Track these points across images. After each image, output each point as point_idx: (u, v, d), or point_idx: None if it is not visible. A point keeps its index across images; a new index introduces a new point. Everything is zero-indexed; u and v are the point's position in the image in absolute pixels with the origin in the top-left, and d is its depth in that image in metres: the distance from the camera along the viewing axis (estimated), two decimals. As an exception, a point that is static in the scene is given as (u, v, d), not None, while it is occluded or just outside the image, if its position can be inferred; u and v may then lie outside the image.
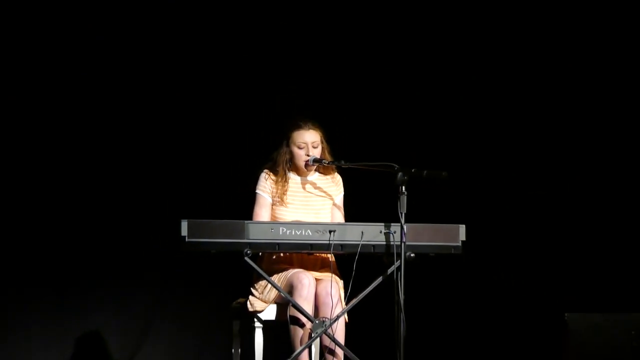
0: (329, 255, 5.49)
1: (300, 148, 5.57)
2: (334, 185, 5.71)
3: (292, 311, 5.27)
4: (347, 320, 5.39)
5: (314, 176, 5.67)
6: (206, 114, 6.81)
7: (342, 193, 5.74)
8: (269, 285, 5.36)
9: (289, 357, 5.23)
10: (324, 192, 5.67)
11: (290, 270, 5.43)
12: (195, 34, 6.96)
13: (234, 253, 5.19)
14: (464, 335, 6.48)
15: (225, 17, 6.94)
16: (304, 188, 5.64)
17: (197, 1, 6.97)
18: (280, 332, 5.46)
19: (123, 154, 6.76)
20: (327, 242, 5.25)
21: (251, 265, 5.23)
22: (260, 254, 5.39)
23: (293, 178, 5.63)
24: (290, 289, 5.32)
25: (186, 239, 5.11)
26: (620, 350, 4.50)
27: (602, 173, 6.86)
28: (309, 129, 5.61)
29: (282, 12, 6.94)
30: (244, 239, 5.19)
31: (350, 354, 5.25)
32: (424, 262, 5.33)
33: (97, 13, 6.86)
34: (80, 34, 6.83)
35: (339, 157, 5.60)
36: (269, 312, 5.44)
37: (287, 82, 6.69)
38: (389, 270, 5.21)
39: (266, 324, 5.45)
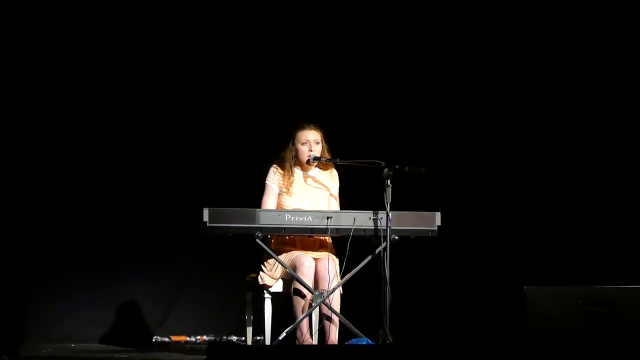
0: (326, 238, 5.51)
1: (303, 144, 5.58)
2: (331, 179, 5.71)
3: (296, 285, 5.31)
4: (342, 292, 5.40)
5: (314, 171, 5.67)
6: (224, 121, 6.77)
7: (338, 185, 5.72)
8: (277, 263, 5.37)
9: (293, 323, 5.26)
10: (323, 184, 5.67)
11: (294, 252, 5.44)
12: (218, 43, 6.89)
13: (247, 236, 5.23)
14: (439, 305, 6.47)
15: (242, 34, 6.88)
16: (305, 181, 5.64)
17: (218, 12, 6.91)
18: (285, 302, 5.46)
19: (161, 156, 6.74)
20: (325, 226, 5.29)
21: (261, 246, 5.28)
22: (268, 236, 5.39)
23: (297, 172, 5.62)
24: (294, 266, 5.34)
25: (207, 224, 5.15)
26: (569, 316, 4.46)
27: (555, 168, 6.82)
28: (311, 129, 5.62)
29: (295, 31, 6.90)
30: (255, 224, 5.23)
31: (345, 321, 5.28)
32: (406, 243, 5.36)
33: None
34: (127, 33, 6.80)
35: (335, 155, 5.61)
36: (277, 286, 5.45)
37: (293, 95, 6.62)
38: (377, 250, 5.24)
39: (274, 296, 5.46)
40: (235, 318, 6.41)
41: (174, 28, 6.87)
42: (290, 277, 5.35)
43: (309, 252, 5.48)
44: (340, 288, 5.38)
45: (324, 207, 5.58)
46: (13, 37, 6.58)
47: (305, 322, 5.30)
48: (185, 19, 6.87)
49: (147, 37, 6.83)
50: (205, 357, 4.31)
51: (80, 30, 6.73)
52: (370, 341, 5.16)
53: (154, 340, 6.51)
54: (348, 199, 5.72)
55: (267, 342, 5.42)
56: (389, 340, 5.05)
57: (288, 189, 5.57)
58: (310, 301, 5.27)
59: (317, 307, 5.32)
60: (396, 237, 5.25)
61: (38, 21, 6.63)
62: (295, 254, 5.42)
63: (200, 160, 6.70)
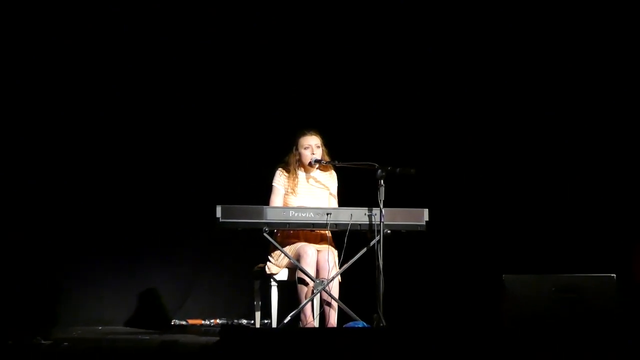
0: (326, 232, 5.50)
1: (306, 149, 5.58)
2: (330, 179, 5.71)
3: (299, 274, 5.30)
4: (340, 280, 5.41)
5: (315, 172, 5.66)
6: (235, 130, 6.73)
7: (336, 185, 5.72)
8: (282, 254, 5.37)
9: (296, 308, 5.27)
10: (323, 184, 5.67)
11: (298, 244, 5.44)
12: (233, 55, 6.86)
13: (255, 230, 5.23)
14: (428, 292, 6.45)
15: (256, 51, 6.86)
16: (308, 181, 5.64)
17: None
18: (290, 289, 5.47)
19: (181, 159, 6.70)
20: (325, 222, 5.29)
21: (268, 239, 5.28)
22: (274, 230, 5.38)
23: (300, 174, 5.63)
24: (298, 257, 5.34)
25: (220, 220, 5.16)
26: (543, 302, 4.46)
27: (528, 171, 6.81)
28: (312, 134, 5.62)
29: (297, 48, 6.86)
30: (262, 219, 5.23)
31: (343, 306, 5.28)
32: (397, 237, 5.37)
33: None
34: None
35: (334, 158, 5.60)
36: (282, 275, 5.44)
37: (295, 105, 6.61)
38: (371, 243, 5.24)
39: (279, 283, 5.46)
40: (245, 303, 6.35)
41: (197, 38, 6.82)
42: (294, 267, 5.35)
43: (311, 244, 5.46)
44: (339, 276, 5.38)
45: (324, 204, 5.58)
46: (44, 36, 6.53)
47: (307, 307, 5.31)
48: (206, 28, 6.82)
49: (169, 51, 6.78)
50: (218, 338, 4.30)
51: (103, 29, 6.65)
52: (365, 324, 5.16)
53: (172, 323, 6.50)
54: (345, 197, 5.72)
55: (274, 325, 5.42)
56: (383, 323, 5.06)
57: (293, 190, 5.58)
58: (312, 288, 5.27)
59: (318, 294, 5.32)
60: (389, 231, 5.25)
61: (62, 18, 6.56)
62: (299, 245, 5.42)
63: (214, 163, 6.68)
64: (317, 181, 5.66)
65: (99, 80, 6.66)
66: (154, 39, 6.75)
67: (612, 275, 4.57)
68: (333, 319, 5.36)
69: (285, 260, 5.40)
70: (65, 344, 5.04)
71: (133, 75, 6.72)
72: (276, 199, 5.57)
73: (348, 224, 5.27)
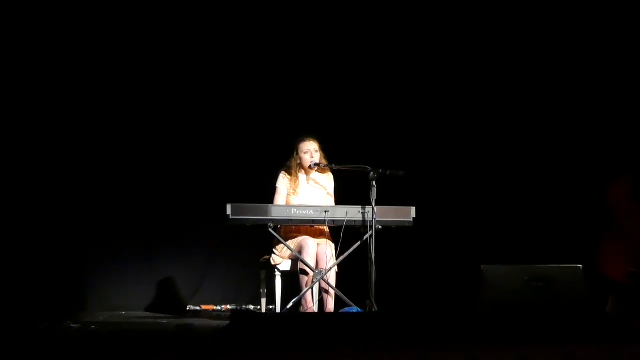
0: (324, 227, 5.53)
1: (305, 153, 5.59)
2: (328, 181, 5.72)
3: (300, 265, 5.32)
4: (337, 270, 5.41)
5: (314, 174, 5.68)
6: (243, 138, 6.70)
7: (333, 185, 5.73)
8: (285, 247, 5.38)
9: (298, 295, 5.28)
10: (321, 185, 5.68)
11: (299, 238, 5.46)
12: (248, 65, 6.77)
13: (261, 226, 5.24)
14: (415, 281, 6.43)
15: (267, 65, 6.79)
16: (308, 183, 5.65)
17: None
18: (292, 278, 5.48)
19: (197, 162, 6.65)
20: (323, 218, 5.31)
21: (273, 234, 5.30)
22: (278, 226, 5.39)
23: (301, 176, 5.64)
24: (299, 250, 5.36)
25: (230, 217, 5.18)
26: (517, 290, 4.44)
27: (502, 174, 6.77)
28: (311, 140, 5.64)
29: (298, 64, 6.78)
30: (268, 216, 5.24)
31: (339, 293, 5.30)
32: (388, 232, 5.38)
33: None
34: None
35: (331, 161, 5.62)
36: (285, 265, 5.45)
37: (297, 116, 6.57)
38: (365, 237, 5.25)
39: (283, 273, 5.47)
40: (252, 291, 6.35)
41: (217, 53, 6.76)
42: (295, 258, 5.37)
43: (311, 238, 5.47)
44: (336, 267, 5.39)
45: (322, 203, 5.58)
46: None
47: (308, 294, 5.32)
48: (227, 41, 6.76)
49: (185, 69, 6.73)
50: (228, 322, 4.32)
51: (129, 30, 6.53)
52: (359, 309, 5.17)
53: (188, 309, 6.49)
54: (341, 196, 5.73)
55: (278, 310, 5.43)
56: (374, 309, 5.07)
57: (294, 190, 5.59)
58: (312, 277, 5.29)
59: (317, 282, 5.34)
60: (380, 227, 5.26)
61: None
62: (300, 239, 5.44)
63: (225, 167, 6.60)
64: (316, 182, 5.67)
65: (130, 86, 6.59)
66: (183, 51, 6.68)
67: (579, 265, 4.56)
68: (330, 305, 5.37)
69: (288, 253, 5.41)
70: (93, 327, 5.08)
71: (159, 86, 6.66)
72: (279, 199, 5.58)
73: (344, 220, 5.29)
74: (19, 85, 6.27)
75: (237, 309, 6.51)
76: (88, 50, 6.44)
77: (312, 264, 5.34)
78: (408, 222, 5.37)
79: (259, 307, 5.74)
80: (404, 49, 6.83)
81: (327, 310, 5.33)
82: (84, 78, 6.46)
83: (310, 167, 5.59)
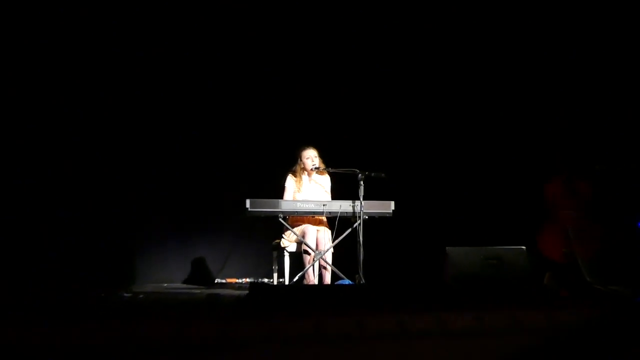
0: (323, 217, 5.52)
1: (307, 159, 5.60)
2: (325, 181, 5.72)
3: (304, 247, 5.33)
4: (332, 251, 5.42)
5: (314, 176, 5.68)
6: (261, 147, 6.66)
7: (330, 184, 5.73)
8: (292, 233, 5.39)
9: (302, 271, 5.30)
10: (320, 184, 5.68)
11: (303, 225, 5.47)
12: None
13: (273, 216, 5.26)
14: (393, 259, 6.39)
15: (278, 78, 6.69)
16: (309, 182, 5.66)
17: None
18: (297, 258, 5.49)
19: (225, 164, 6.61)
20: (322, 210, 5.32)
21: (282, 223, 5.31)
22: (286, 217, 5.38)
23: (304, 177, 5.65)
24: (303, 235, 5.36)
25: (248, 209, 5.19)
26: (474, 266, 4.44)
27: (462, 173, 6.73)
28: (311, 148, 5.64)
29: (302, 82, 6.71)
30: (278, 209, 5.25)
31: (335, 269, 5.30)
32: (372, 221, 5.39)
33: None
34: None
35: (328, 165, 5.62)
36: (292, 247, 5.46)
37: (301, 132, 6.46)
38: (354, 225, 5.26)
39: (290, 254, 5.48)
40: (266, 267, 6.30)
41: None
42: (300, 242, 5.38)
43: (312, 226, 5.48)
44: (332, 249, 5.40)
45: (321, 198, 5.58)
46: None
47: (310, 270, 5.33)
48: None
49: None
50: (247, 292, 4.31)
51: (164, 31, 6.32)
52: (350, 282, 5.18)
53: (215, 281, 6.48)
54: (336, 193, 5.73)
55: (286, 282, 5.45)
56: (362, 281, 5.09)
57: (299, 188, 5.60)
58: (313, 257, 5.30)
59: (317, 261, 5.35)
60: (366, 217, 5.27)
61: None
62: (304, 227, 5.44)
63: (245, 169, 6.58)
64: (316, 182, 5.68)
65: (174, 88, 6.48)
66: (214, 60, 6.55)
67: (523, 247, 4.58)
68: (327, 278, 5.38)
69: (294, 237, 5.41)
70: (141, 296, 5.06)
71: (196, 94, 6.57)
72: (287, 195, 5.59)
73: (338, 212, 5.30)
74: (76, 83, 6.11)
75: (254, 281, 6.50)
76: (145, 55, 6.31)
77: (313, 246, 5.35)
78: (388, 213, 5.37)
79: (271, 280, 5.74)
80: (380, 81, 6.79)
81: (325, 283, 5.34)
82: (138, 80, 6.34)
83: (311, 169, 5.60)
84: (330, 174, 5.72)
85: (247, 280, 6.54)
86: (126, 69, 6.28)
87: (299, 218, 5.51)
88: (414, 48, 6.73)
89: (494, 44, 6.59)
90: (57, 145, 6.06)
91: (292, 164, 5.69)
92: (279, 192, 5.64)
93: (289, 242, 5.46)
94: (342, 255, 5.51)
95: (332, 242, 5.38)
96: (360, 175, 5.24)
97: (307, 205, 5.33)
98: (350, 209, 5.31)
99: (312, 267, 5.35)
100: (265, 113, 6.69)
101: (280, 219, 5.28)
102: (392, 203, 5.37)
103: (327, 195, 5.68)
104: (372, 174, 5.25)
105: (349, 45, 6.69)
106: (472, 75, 6.69)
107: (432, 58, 6.75)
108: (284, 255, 5.48)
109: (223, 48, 6.57)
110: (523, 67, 6.53)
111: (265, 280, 6.50)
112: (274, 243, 5.59)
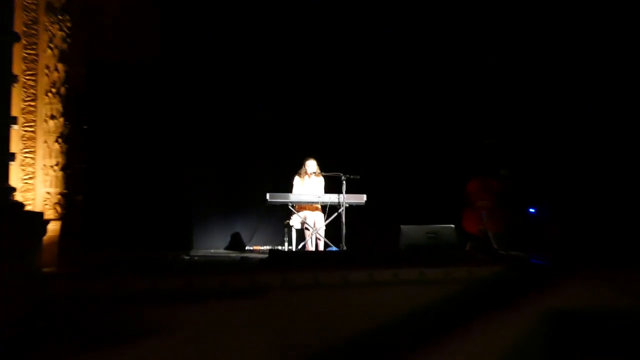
0: (318, 206, 5.46)
1: (308, 166, 5.52)
2: (320, 181, 5.61)
3: (305, 225, 5.30)
4: (325, 228, 5.37)
5: (313, 177, 5.59)
6: (275, 158, 6.36)
7: (323, 183, 5.63)
8: (298, 216, 5.33)
9: (303, 241, 5.27)
10: (316, 183, 5.60)
11: (305, 211, 5.41)
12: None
13: (285, 205, 5.20)
14: (365, 234, 5.88)
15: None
16: (309, 182, 5.58)
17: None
18: (301, 233, 5.45)
19: (254, 169, 6.31)
20: (318, 201, 5.29)
21: (291, 210, 5.26)
22: (294, 205, 5.32)
23: (306, 178, 5.57)
24: (305, 217, 5.33)
25: (268, 200, 5.12)
26: (420, 239, 4.43)
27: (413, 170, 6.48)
28: (311, 159, 5.55)
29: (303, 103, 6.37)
30: (289, 200, 5.20)
31: (326, 240, 5.27)
32: (351, 208, 5.30)
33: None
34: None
35: (322, 170, 5.52)
36: (297, 225, 5.39)
37: (305, 146, 6.17)
38: (339, 211, 5.19)
39: (296, 230, 5.43)
40: (280, 239, 6.05)
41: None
42: (303, 222, 5.33)
43: (311, 211, 5.44)
44: (324, 226, 5.35)
45: (317, 192, 5.52)
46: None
47: (309, 241, 5.29)
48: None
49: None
50: (268, 255, 4.27)
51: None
52: (337, 249, 5.15)
53: (246, 248, 6.33)
54: (327, 189, 5.61)
55: (293, 249, 5.41)
56: (345, 248, 5.05)
57: (302, 186, 5.53)
58: (311, 232, 5.27)
59: (314, 235, 5.31)
60: (347, 205, 5.20)
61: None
62: (306, 212, 5.40)
63: (266, 172, 6.36)
64: (314, 182, 5.60)
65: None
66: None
67: (452, 225, 4.57)
68: (321, 247, 5.35)
69: (299, 219, 5.37)
70: (196, 258, 5.02)
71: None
72: (294, 190, 5.51)
73: (328, 202, 5.26)
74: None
75: (272, 248, 6.35)
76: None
77: (311, 224, 5.33)
78: (362, 203, 5.29)
79: (284, 247, 5.67)
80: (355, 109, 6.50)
81: (319, 250, 5.32)
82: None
83: (311, 173, 5.54)
84: (323, 176, 5.65)
85: (268, 247, 6.44)
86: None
87: (302, 206, 5.47)
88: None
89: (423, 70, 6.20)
90: (143, 142, 5.60)
91: (298, 169, 5.64)
92: (289, 188, 5.59)
93: (295, 222, 5.44)
94: (331, 231, 5.46)
95: (325, 222, 5.38)
96: (343, 177, 5.19)
97: (307, 198, 5.30)
98: (336, 200, 5.25)
99: (310, 239, 5.32)
100: (282, 135, 6.50)
101: (289, 207, 5.26)
102: (365, 196, 5.31)
103: (321, 191, 5.64)
104: (351, 177, 5.19)
105: (336, 79, 6.27)
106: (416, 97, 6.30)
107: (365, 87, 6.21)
108: (292, 231, 5.43)
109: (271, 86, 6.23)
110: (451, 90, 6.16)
111: (280, 247, 6.47)
112: (285, 222, 5.55)
